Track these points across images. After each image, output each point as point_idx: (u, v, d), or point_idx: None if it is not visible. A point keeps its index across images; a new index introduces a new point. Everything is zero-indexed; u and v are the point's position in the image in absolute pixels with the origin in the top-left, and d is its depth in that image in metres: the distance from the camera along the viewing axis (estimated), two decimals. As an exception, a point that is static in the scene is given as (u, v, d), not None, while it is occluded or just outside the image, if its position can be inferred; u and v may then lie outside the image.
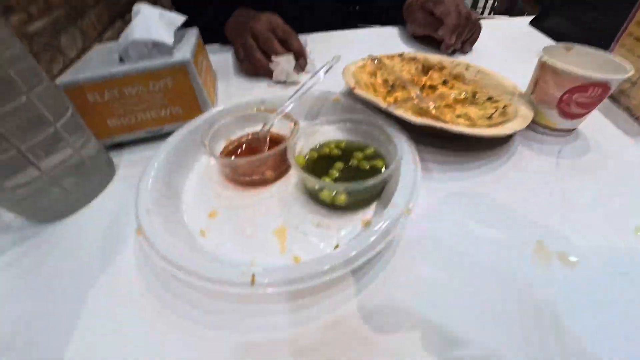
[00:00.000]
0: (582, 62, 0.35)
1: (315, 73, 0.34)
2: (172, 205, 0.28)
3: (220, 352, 0.20)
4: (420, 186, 0.25)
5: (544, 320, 0.21)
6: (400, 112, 0.30)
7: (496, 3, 2.24)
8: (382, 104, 0.31)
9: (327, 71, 0.34)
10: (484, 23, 0.63)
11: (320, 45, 0.60)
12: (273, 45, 0.46)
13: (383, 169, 0.29)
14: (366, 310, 0.22)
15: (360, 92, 0.33)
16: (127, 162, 0.36)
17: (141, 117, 0.35)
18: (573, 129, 0.36)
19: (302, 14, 0.65)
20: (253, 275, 0.20)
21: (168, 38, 0.33)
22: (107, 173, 0.34)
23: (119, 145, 0.37)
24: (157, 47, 0.33)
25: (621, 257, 0.24)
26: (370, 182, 0.24)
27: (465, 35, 0.52)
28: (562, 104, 0.33)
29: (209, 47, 0.58)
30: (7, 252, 0.28)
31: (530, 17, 0.66)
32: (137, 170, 0.29)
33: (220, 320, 0.22)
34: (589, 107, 0.32)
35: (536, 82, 0.35)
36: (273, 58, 0.46)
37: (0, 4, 0.40)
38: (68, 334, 0.22)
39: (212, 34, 0.55)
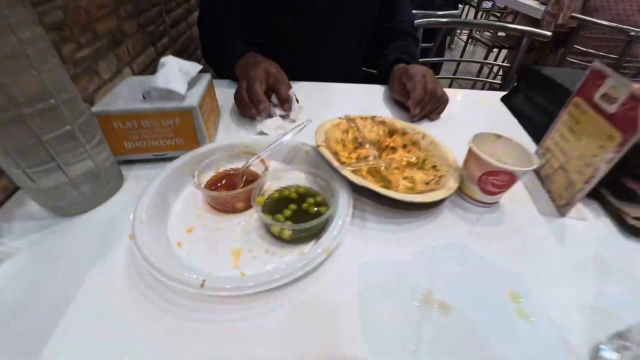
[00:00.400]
0: (505, 150, 0.43)
1: (288, 132, 0.43)
2: (160, 218, 0.37)
3: (173, 333, 0.28)
4: (346, 234, 0.33)
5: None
6: (345, 173, 0.38)
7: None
8: (335, 163, 0.39)
9: (297, 132, 0.44)
10: (460, 93, 0.72)
11: (316, 94, 0.70)
12: (255, 91, 0.55)
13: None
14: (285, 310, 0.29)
15: (322, 150, 0.41)
16: (134, 176, 0.45)
17: (151, 143, 0.44)
18: (494, 203, 0.44)
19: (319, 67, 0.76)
20: (204, 281, 0.28)
21: (182, 88, 0.42)
22: (117, 183, 0.42)
23: (129, 162, 0.46)
24: (173, 94, 0.42)
25: (488, 310, 0.32)
26: (308, 225, 0.33)
27: (430, 108, 0.61)
28: (481, 182, 0.41)
29: (222, 82, 0.69)
30: (31, 234, 0.36)
31: (503, 93, 0.76)
32: (140, 184, 0.38)
33: (180, 311, 0.29)
34: (501, 188, 0.41)
35: (465, 162, 0.43)
36: (257, 118, 0.55)
37: (57, 35, 0.51)
38: (67, 302, 0.30)
39: (229, 71, 0.66)
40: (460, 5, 1.62)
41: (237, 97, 0.58)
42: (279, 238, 0.35)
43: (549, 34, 1.10)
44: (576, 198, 0.42)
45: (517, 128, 0.65)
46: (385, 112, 0.66)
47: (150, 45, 0.80)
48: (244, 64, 0.63)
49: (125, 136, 0.43)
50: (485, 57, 2.37)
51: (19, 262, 0.33)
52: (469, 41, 3.25)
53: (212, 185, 0.41)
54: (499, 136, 0.44)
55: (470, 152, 0.42)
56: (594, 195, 0.47)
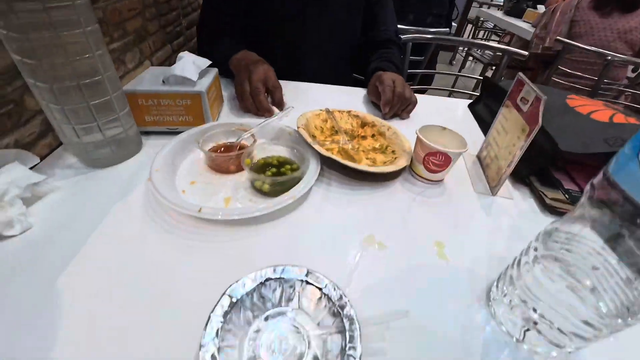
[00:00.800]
0: (448, 139, 0.54)
1: (275, 116, 0.55)
2: (170, 172, 0.48)
3: (177, 247, 0.38)
4: (312, 191, 0.44)
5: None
6: (316, 146, 0.49)
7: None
8: (309, 139, 0.50)
9: (282, 116, 0.55)
10: (433, 99, 0.83)
11: (303, 92, 0.82)
12: (260, 99, 0.65)
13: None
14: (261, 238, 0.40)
15: (301, 130, 0.52)
16: (150, 144, 0.56)
17: (166, 119, 0.55)
18: (437, 180, 0.54)
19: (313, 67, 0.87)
20: (200, 208, 0.38)
21: (194, 76, 0.54)
22: (137, 147, 0.54)
23: (148, 133, 0.57)
24: (187, 80, 0.54)
25: (415, 251, 0.42)
26: (282, 179, 0.43)
27: (399, 108, 0.72)
28: (424, 162, 0.52)
29: (224, 79, 0.80)
30: (69, 178, 0.47)
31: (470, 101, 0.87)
32: (155, 150, 0.49)
33: (182, 232, 0.40)
34: (441, 166, 0.51)
35: (415, 146, 0.54)
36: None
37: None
38: (95, 224, 0.40)
39: (226, 70, 0.77)
40: (454, 24, 1.74)
41: (240, 95, 0.67)
42: (260, 191, 0.46)
43: (526, 53, 1.22)
44: (502, 179, 0.52)
45: (477, 130, 0.75)
46: (362, 109, 0.77)
47: (168, 43, 0.93)
48: (240, 62, 0.72)
49: (147, 111, 0.54)
50: (482, 74, 2.51)
51: (60, 195, 0.44)
52: (469, 58, 3.40)
53: (212, 152, 0.52)
54: (444, 128, 0.55)
55: (418, 138, 0.52)
56: (525, 182, 0.57)
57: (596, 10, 1.81)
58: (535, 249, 0.32)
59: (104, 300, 0.33)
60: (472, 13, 3.70)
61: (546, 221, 0.52)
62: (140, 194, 0.45)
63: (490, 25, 3.85)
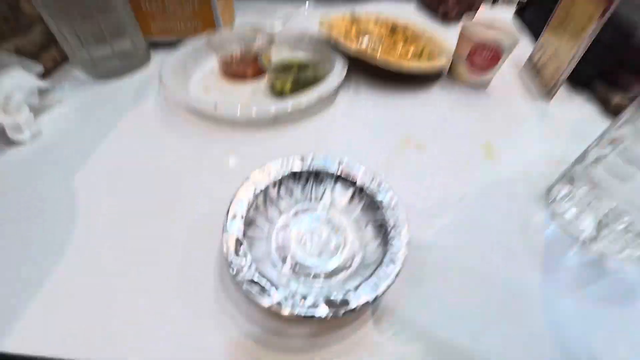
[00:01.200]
0: (496, 35, 0.46)
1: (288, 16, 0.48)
2: (183, 80, 0.43)
3: (194, 148, 0.35)
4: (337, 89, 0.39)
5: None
6: (342, 42, 0.42)
7: None
8: (334, 35, 0.44)
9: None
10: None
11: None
12: None
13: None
14: (281, 141, 0.36)
15: (323, 27, 0.45)
16: (159, 58, 0.51)
17: (173, 26, 0.50)
18: (483, 84, 0.47)
19: None
20: (216, 104, 0.34)
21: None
22: (146, 59, 0.49)
23: (156, 45, 0.52)
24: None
25: (459, 153, 0.37)
26: (307, 75, 0.38)
27: (464, 9, 0.64)
28: (469, 60, 0.44)
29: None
30: (78, 90, 0.44)
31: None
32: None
33: (198, 134, 0.37)
34: (489, 64, 0.44)
35: (457, 45, 0.46)
36: None
37: None
38: (107, 130, 0.37)
39: None
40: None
41: None
42: (281, 94, 0.41)
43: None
44: (562, 77, 0.44)
45: (528, 40, 0.65)
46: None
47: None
48: None
49: (152, 17, 0.49)
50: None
51: (69, 106, 0.41)
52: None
53: (227, 58, 0.46)
54: (491, 24, 0.46)
55: (461, 33, 0.44)
56: (587, 85, 0.49)
57: None
58: (613, 142, 0.26)
59: (120, 199, 0.31)
60: None
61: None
62: (151, 102, 0.42)
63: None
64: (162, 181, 0.32)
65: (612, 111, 0.45)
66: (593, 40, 0.39)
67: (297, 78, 0.39)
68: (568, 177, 0.31)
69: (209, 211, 0.28)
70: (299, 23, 0.53)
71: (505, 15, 0.76)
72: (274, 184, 0.27)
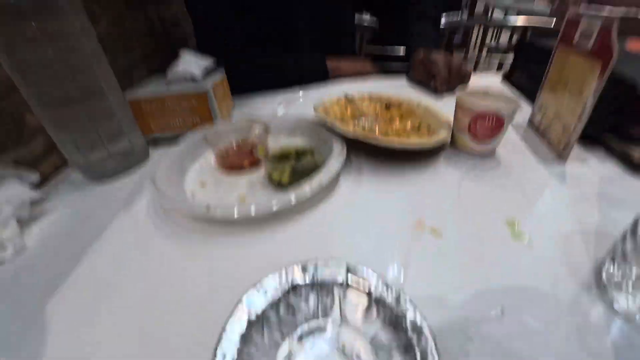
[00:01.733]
0: (493, 101, 0.45)
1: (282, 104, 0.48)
2: (178, 175, 0.42)
3: (185, 254, 0.32)
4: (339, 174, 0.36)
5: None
6: (339, 125, 0.42)
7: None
8: (329, 120, 0.43)
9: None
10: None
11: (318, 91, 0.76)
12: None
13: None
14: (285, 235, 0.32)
15: (319, 113, 0.46)
16: (158, 154, 0.51)
17: (173, 122, 0.51)
18: (488, 152, 0.45)
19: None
20: (208, 206, 0.32)
21: (197, 73, 0.49)
22: (144, 157, 0.49)
23: (155, 141, 0.53)
24: (191, 79, 0.49)
25: (481, 235, 0.33)
26: (305, 165, 0.36)
27: (455, 85, 0.68)
28: (471, 130, 0.43)
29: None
30: (72, 195, 0.43)
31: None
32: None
33: (192, 237, 0.33)
34: (492, 132, 0.42)
35: (455, 115, 0.45)
36: None
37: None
38: (95, 237, 0.35)
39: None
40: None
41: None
42: (279, 185, 0.39)
43: (552, 22, 1.10)
44: (573, 138, 0.42)
45: (522, 102, 0.65)
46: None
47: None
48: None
49: (152, 116, 0.50)
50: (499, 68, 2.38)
51: (60, 213, 0.40)
52: (483, 52, 3.27)
53: (223, 151, 0.46)
54: (486, 92, 0.46)
55: (458, 104, 0.44)
56: (599, 141, 0.47)
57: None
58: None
59: (98, 322, 0.26)
60: (479, 7, 3.57)
61: (636, 184, 0.42)
62: (144, 203, 0.40)
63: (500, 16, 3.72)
64: (147, 296, 0.28)
65: (637, 167, 0.42)
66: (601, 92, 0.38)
67: (295, 167, 0.37)
68: (620, 253, 0.26)
69: (196, 340, 0.23)
70: (294, 109, 0.54)
71: (494, 79, 0.78)
72: (272, 305, 0.23)
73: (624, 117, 0.45)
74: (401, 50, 0.95)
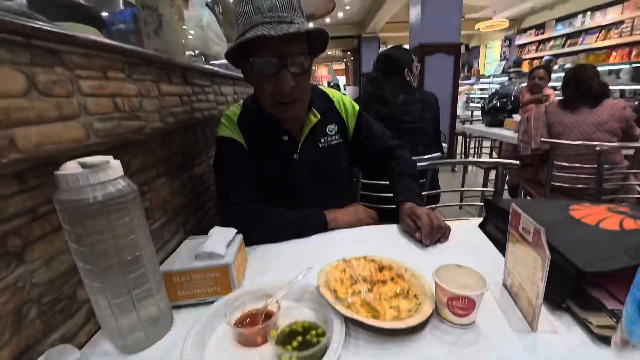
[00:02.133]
0: (466, 277, 0.55)
1: (296, 277, 0.59)
2: (200, 350, 0.48)
3: None
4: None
5: None
6: (339, 308, 0.50)
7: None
8: (332, 300, 0.52)
9: (303, 276, 0.59)
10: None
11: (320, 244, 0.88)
12: None
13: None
14: None
15: (322, 290, 0.55)
16: (181, 318, 0.58)
17: (197, 291, 0.60)
18: (468, 324, 0.52)
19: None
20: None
21: (222, 250, 0.61)
22: (169, 324, 0.56)
23: (178, 306, 0.61)
24: (215, 255, 0.61)
25: None
26: (309, 352, 0.43)
27: (437, 237, 0.79)
28: (449, 306, 0.51)
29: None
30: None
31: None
32: (186, 324, 0.51)
33: None
34: (467, 310, 0.50)
35: (435, 289, 0.54)
36: None
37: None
38: None
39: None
40: (445, 145, 1.95)
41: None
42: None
43: (517, 163, 1.32)
44: (536, 312, 0.50)
45: (494, 251, 0.76)
46: (377, 247, 0.80)
47: (199, 209, 1.08)
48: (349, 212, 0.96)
49: (180, 287, 0.59)
50: (485, 177, 2.65)
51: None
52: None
53: (239, 323, 0.53)
54: (459, 266, 0.57)
55: (435, 282, 0.53)
56: (563, 307, 0.54)
57: (565, 110, 1.95)
58: None
59: None
60: (458, 128, 4.18)
61: (604, 355, 0.47)
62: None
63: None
64: None
65: (599, 337, 0.47)
66: (549, 274, 0.46)
67: (300, 356, 0.44)
68: None
69: None
70: (302, 280, 0.63)
71: (471, 226, 0.91)
72: None
73: (577, 287, 0.53)
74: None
